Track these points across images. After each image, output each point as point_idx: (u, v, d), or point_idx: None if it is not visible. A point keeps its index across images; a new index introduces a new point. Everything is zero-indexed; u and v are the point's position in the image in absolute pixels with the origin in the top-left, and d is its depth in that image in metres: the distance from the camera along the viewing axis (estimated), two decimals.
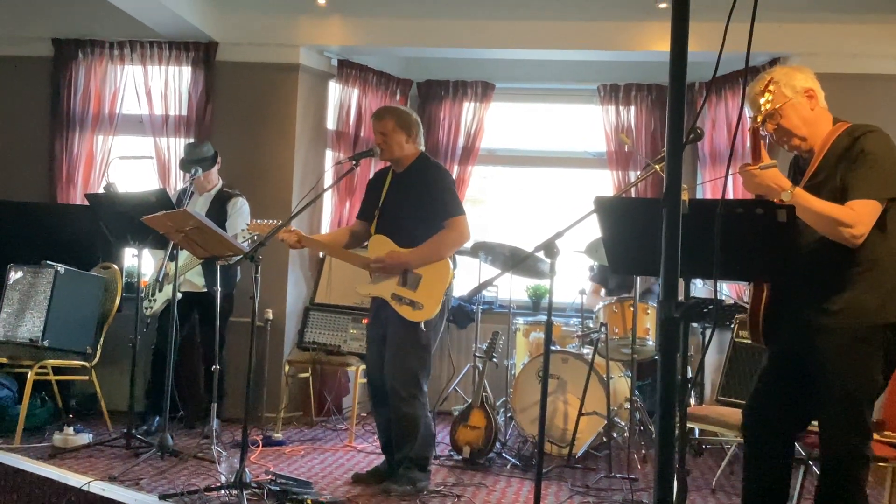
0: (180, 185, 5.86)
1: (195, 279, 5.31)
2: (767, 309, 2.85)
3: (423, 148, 4.35)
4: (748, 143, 2.80)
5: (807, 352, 2.82)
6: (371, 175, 6.38)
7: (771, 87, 2.74)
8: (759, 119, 2.74)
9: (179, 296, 4.82)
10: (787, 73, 2.91)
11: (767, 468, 2.97)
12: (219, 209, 5.41)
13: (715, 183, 5.99)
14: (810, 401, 2.88)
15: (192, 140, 6.02)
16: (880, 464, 3.46)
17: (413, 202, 4.16)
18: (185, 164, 5.44)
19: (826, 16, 5.79)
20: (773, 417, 2.95)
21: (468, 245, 5.36)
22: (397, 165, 4.31)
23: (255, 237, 4.53)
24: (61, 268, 5.09)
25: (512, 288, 5.73)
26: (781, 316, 2.86)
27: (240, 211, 5.43)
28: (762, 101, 2.73)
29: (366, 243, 4.33)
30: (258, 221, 4.30)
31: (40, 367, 4.96)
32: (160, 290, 5.31)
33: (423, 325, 4.08)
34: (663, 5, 5.66)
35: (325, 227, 6.46)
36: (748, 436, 3.04)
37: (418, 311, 4.06)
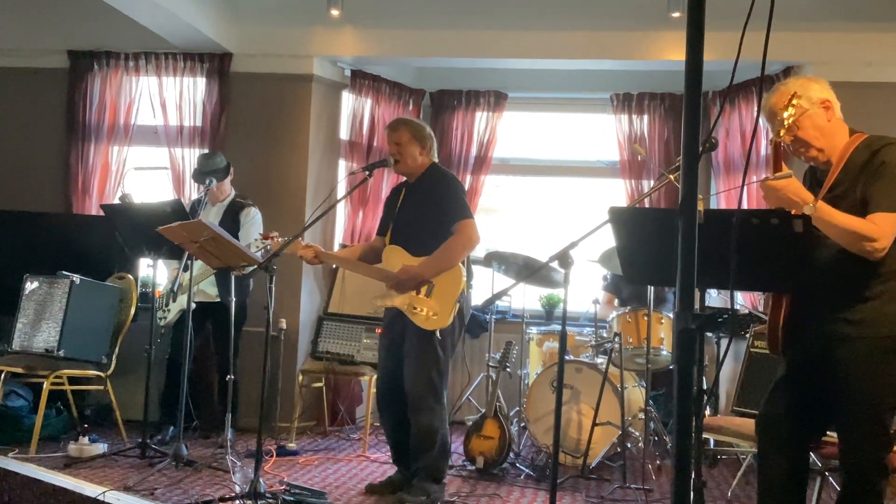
0: (195, 196, 5.89)
1: (208, 289, 5.33)
2: (787, 320, 2.83)
3: (436, 159, 4.36)
4: (764, 155, 2.80)
5: (827, 362, 2.80)
6: (384, 185, 6.45)
7: (794, 101, 2.74)
8: (782, 133, 2.74)
9: (193, 306, 4.84)
10: (803, 84, 2.90)
11: (781, 477, 2.94)
12: (232, 219, 5.43)
13: (729, 193, 5.97)
14: (826, 410, 2.87)
15: (206, 151, 6.05)
16: None
17: (424, 211, 4.17)
18: (199, 176, 5.47)
19: (841, 24, 5.77)
20: (786, 425, 2.92)
21: (481, 254, 5.37)
22: (410, 177, 4.32)
23: (268, 247, 4.55)
24: (77, 278, 5.12)
25: (525, 297, 5.73)
26: (802, 326, 2.84)
27: (252, 220, 5.45)
28: (786, 115, 2.73)
29: None
30: (277, 239, 4.30)
31: (56, 377, 4.98)
32: (174, 301, 5.34)
33: (438, 334, 4.07)
34: (676, 14, 5.66)
35: (339, 238, 6.47)
36: (761, 444, 3.02)
37: (433, 320, 4.06)
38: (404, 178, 4.41)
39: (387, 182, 6.50)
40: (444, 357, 4.12)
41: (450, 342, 4.14)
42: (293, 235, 4.14)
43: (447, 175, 4.33)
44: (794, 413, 2.91)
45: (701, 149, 1.78)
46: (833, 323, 2.78)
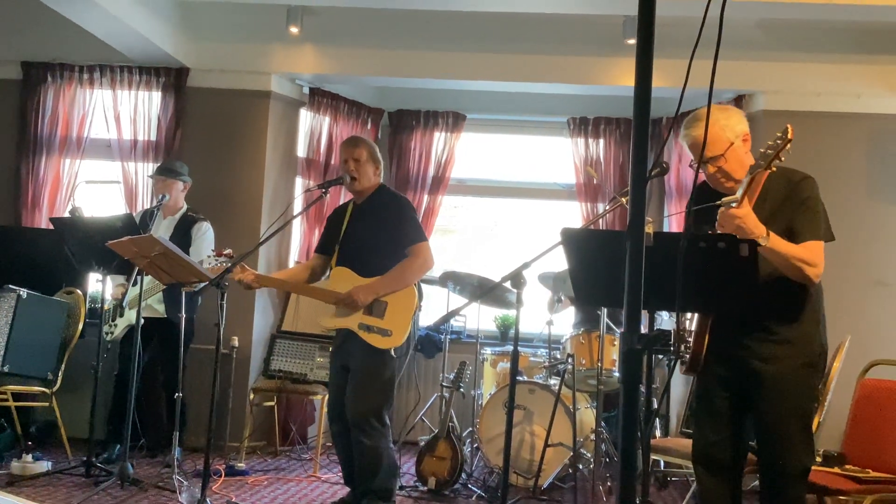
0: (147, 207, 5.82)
1: (156, 305, 5.24)
2: (711, 344, 2.90)
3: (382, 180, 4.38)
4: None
5: (754, 380, 2.93)
6: (341, 203, 6.42)
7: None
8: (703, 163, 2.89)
9: (142, 321, 4.76)
10: (728, 116, 3.01)
11: (724, 501, 3.05)
12: (183, 234, 5.37)
13: (681, 216, 6.05)
14: (748, 428, 3.02)
15: (160, 164, 6.00)
16: (840, 497, 3.49)
17: (376, 232, 4.15)
18: (161, 170, 5.46)
19: (791, 55, 5.90)
20: (721, 451, 3.04)
21: (436, 274, 5.37)
22: (358, 197, 4.31)
23: (222, 264, 4.49)
24: (24, 292, 5.02)
25: (480, 318, 5.74)
26: (727, 347, 2.96)
27: (204, 236, 5.39)
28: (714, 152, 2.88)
29: (326, 277, 4.31)
30: (218, 255, 4.23)
31: (0, 394, 4.87)
32: (121, 316, 5.24)
33: (392, 352, 4.05)
34: (631, 41, 5.75)
35: (294, 255, 6.43)
36: (699, 471, 3.11)
37: (388, 339, 4.04)
38: (351, 198, 4.40)
39: (343, 200, 6.48)
40: (391, 378, 4.09)
41: (402, 358, 4.12)
42: (246, 252, 4.10)
43: (398, 196, 4.34)
44: (728, 436, 3.04)
45: (651, 173, 1.81)
46: (761, 343, 2.92)
